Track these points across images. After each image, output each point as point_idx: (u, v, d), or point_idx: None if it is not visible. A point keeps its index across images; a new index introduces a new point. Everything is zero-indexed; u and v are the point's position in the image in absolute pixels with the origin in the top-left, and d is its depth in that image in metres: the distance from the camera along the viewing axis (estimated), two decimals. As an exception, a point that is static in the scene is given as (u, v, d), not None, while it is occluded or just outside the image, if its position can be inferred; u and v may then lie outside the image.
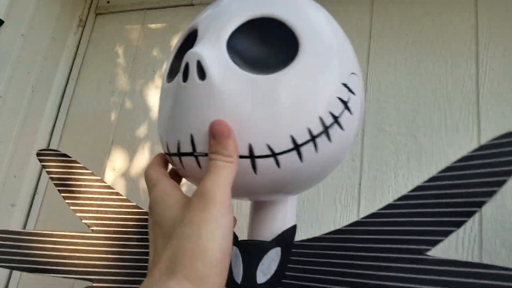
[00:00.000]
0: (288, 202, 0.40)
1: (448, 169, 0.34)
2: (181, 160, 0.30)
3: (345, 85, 0.30)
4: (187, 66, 0.26)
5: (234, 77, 0.26)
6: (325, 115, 0.28)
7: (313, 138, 0.28)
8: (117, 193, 0.49)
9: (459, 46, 0.66)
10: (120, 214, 0.48)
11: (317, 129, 0.28)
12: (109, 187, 0.50)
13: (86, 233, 0.47)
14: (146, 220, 0.47)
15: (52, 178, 0.50)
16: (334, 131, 0.29)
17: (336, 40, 0.31)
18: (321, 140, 0.29)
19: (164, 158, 0.33)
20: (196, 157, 0.28)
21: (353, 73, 0.32)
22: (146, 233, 0.39)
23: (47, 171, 0.50)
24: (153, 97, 0.88)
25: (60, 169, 0.50)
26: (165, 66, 0.35)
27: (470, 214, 0.31)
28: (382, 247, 0.34)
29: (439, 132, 0.63)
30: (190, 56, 0.26)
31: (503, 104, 0.61)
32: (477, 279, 0.28)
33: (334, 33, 0.32)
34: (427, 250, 0.32)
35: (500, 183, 0.30)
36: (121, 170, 0.84)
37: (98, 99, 0.92)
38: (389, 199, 0.35)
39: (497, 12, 0.65)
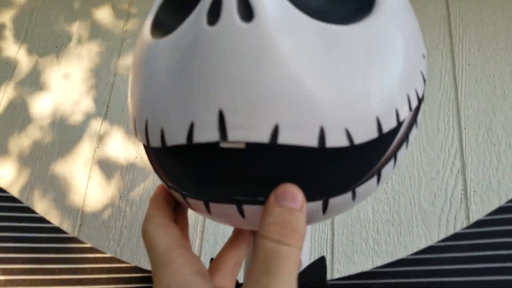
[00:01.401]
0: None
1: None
2: (208, 205, 0.21)
3: (424, 57, 0.24)
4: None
5: (296, 23, 0.19)
6: (411, 93, 0.21)
7: (399, 125, 0.21)
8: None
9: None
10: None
11: (404, 112, 0.21)
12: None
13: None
14: None
15: None
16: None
17: (408, 5, 0.26)
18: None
19: (171, 199, 0.23)
20: (237, 202, 0.20)
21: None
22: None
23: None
24: (54, 84, 0.72)
25: None
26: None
27: None
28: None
29: (419, 130, 0.59)
30: None
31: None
32: None
33: None
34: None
35: None
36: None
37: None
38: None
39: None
